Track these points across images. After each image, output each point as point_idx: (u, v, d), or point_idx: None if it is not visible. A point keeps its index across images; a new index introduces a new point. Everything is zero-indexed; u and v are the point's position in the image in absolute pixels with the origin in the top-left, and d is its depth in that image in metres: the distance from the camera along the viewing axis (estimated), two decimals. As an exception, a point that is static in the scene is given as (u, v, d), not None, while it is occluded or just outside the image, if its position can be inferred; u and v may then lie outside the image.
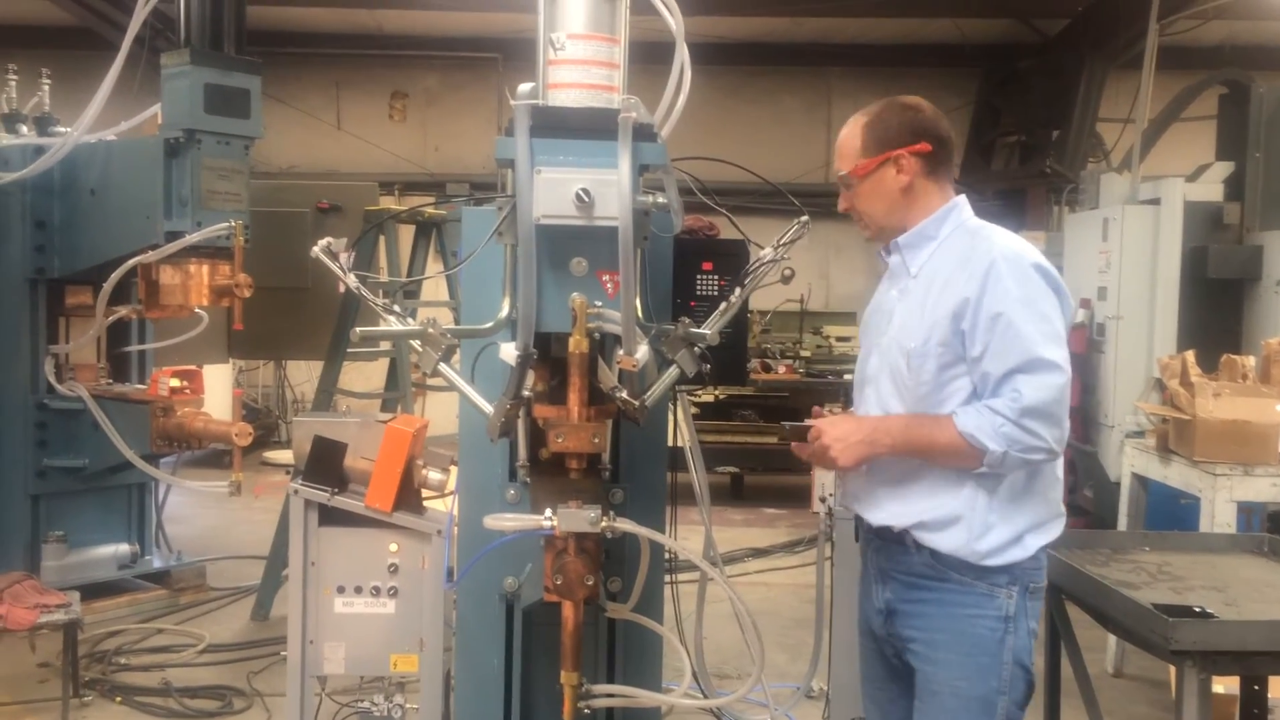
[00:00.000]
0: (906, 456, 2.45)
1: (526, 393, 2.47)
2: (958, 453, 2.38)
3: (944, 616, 2.48)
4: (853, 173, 2.55)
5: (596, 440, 2.40)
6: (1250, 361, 4.91)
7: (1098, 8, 9.77)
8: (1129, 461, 5.40)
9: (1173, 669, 2.88)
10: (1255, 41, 10.62)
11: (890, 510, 2.52)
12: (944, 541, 2.44)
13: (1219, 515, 4.52)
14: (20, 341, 5.81)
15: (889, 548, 2.56)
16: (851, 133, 2.58)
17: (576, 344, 2.31)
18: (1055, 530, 2.52)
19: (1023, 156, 10.92)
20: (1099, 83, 10.06)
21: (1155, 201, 6.64)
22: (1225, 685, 3.53)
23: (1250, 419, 4.60)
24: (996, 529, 2.43)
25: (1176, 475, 4.86)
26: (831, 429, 2.47)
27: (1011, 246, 2.46)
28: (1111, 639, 5.14)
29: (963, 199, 2.60)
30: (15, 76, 6.07)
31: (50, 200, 5.74)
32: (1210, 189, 6.69)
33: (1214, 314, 6.51)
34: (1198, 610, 2.70)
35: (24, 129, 5.97)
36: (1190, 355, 4.90)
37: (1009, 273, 2.39)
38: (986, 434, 2.34)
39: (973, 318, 2.39)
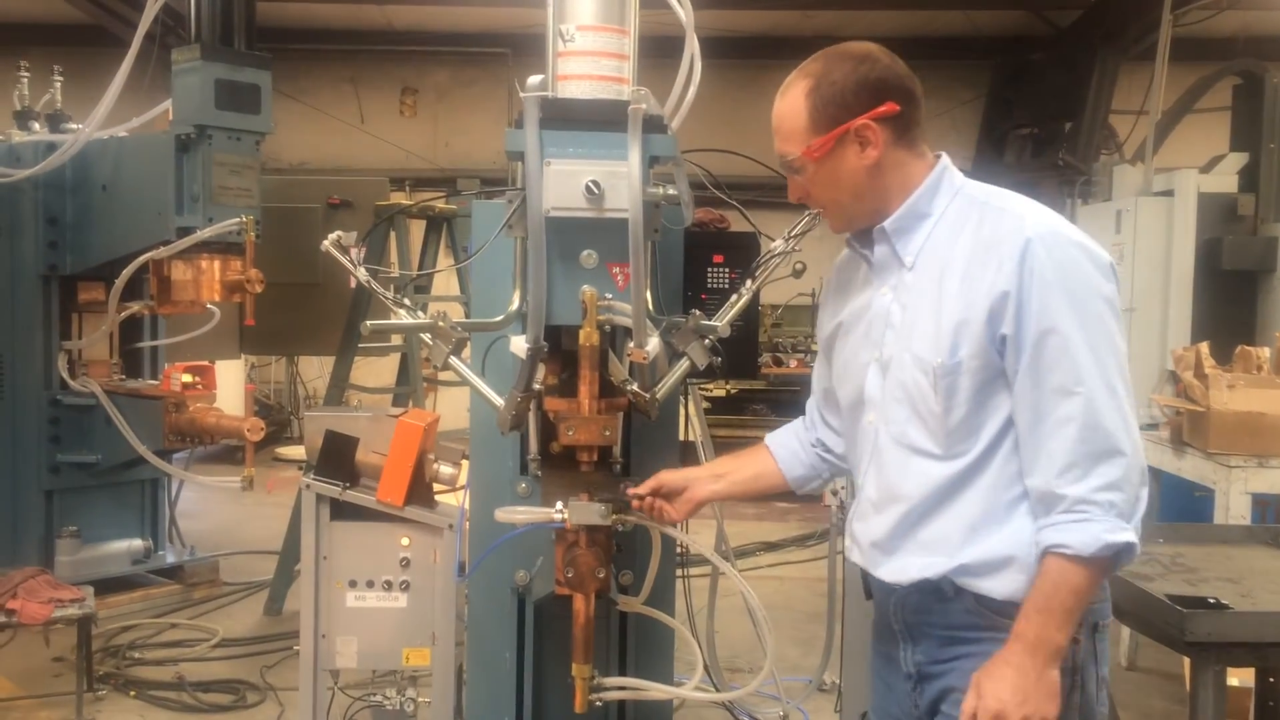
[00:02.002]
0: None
1: (537, 386, 2.47)
2: (1105, 572, 1.89)
3: None
4: (804, 156, 2.02)
5: (607, 433, 2.39)
6: (1265, 353, 4.88)
7: (1110, -1, 9.73)
8: (1143, 454, 5.37)
9: (1187, 661, 2.87)
10: (1270, 32, 10.54)
11: (921, 562, 2.00)
12: (996, 587, 1.93)
13: (1233, 508, 4.50)
14: (33, 338, 5.83)
15: (918, 597, 2.02)
16: (791, 104, 2.03)
17: (587, 336, 2.31)
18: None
19: (1035, 149, 10.87)
20: (1112, 74, 10.01)
21: (1169, 193, 6.60)
22: (1240, 678, 3.51)
23: (1265, 411, 4.57)
24: None
25: (1190, 468, 4.84)
26: (1005, 702, 1.84)
27: (1044, 221, 1.94)
28: (1125, 631, 5.11)
29: (947, 161, 2.09)
30: (27, 74, 6.09)
31: (62, 197, 5.76)
32: (1224, 180, 6.65)
33: (1228, 306, 6.47)
34: (1212, 602, 2.68)
35: (36, 126, 5.99)
36: (1204, 347, 4.87)
37: (1051, 264, 1.88)
38: (1114, 528, 1.84)
39: (1016, 319, 1.88)
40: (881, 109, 1.98)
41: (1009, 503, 1.94)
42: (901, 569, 2.03)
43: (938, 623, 2.01)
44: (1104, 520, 1.84)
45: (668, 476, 2.36)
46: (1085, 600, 1.87)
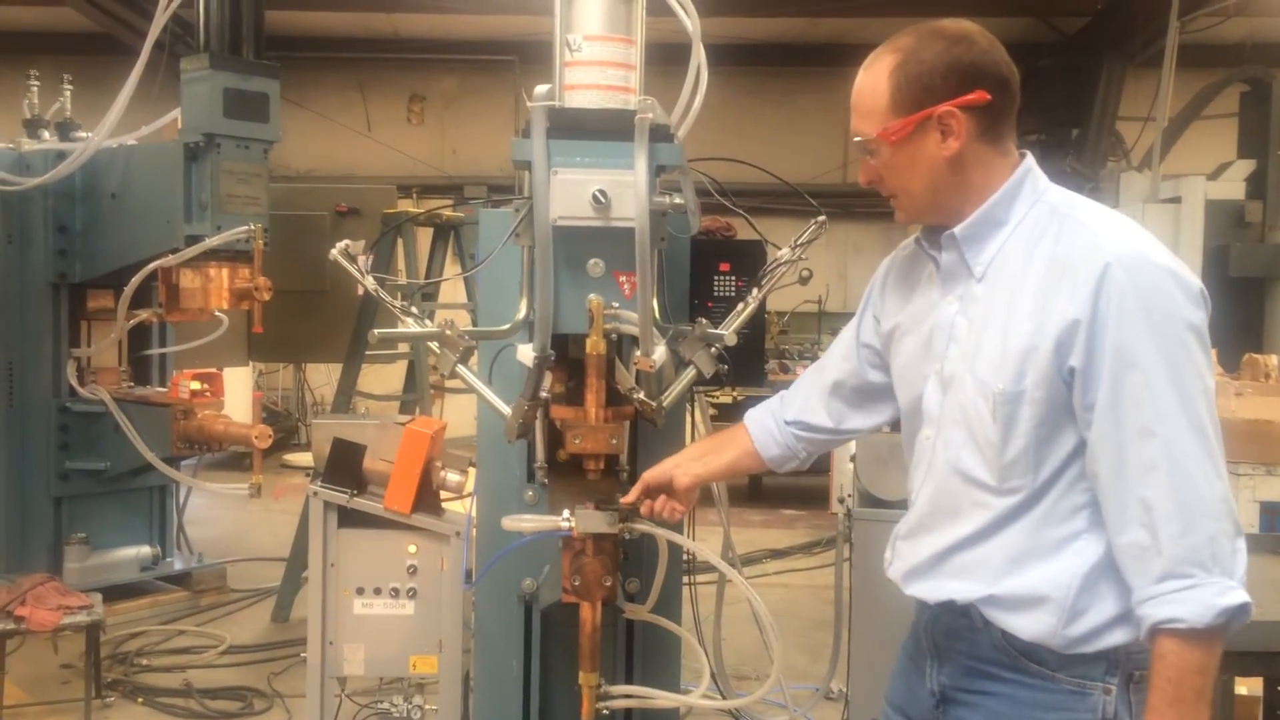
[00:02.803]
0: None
1: (544, 394, 2.47)
2: (1222, 639, 1.72)
3: None
4: (880, 138, 1.87)
5: (614, 441, 2.39)
6: (1273, 360, 4.88)
7: (1117, 6, 9.72)
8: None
9: (1195, 670, 2.85)
10: (1277, 39, 10.54)
11: (955, 585, 1.90)
12: (1023, 626, 1.82)
13: (1241, 516, 4.49)
14: (43, 345, 5.87)
15: (949, 619, 1.94)
16: (874, 80, 1.89)
17: (594, 345, 2.31)
18: None
19: (1042, 155, 10.73)
20: (1118, 81, 10.01)
21: (1176, 200, 6.60)
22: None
23: (1273, 418, 4.57)
24: (1095, 610, 1.79)
25: (1198, 475, 4.82)
26: None
27: (1128, 242, 1.76)
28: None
29: (1031, 161, 1.91)
30: (37, 82, 6.12)
31: (72, 205, 5.79)
32: (1232, 187, 6.66)
33: (1236, 313, 6.47)
34: (1220, 611, 2.68)
35: (46, 134, 6.02)
36: (1211, 354, 4.87)
37: (1133, 291, 1.71)
38: (1223, 590, 1.69)
39: (1087, 351, 1.72)
40: (970, 97, 1.82)
41: (1058, 540, 1.81)
42: (936, 588, 1.94)
43: (965, 650, 1.92)
44: (1211, 582, 1.68)
45: (650, 474, 2.34)
46: (1213, 675, 1.71)
